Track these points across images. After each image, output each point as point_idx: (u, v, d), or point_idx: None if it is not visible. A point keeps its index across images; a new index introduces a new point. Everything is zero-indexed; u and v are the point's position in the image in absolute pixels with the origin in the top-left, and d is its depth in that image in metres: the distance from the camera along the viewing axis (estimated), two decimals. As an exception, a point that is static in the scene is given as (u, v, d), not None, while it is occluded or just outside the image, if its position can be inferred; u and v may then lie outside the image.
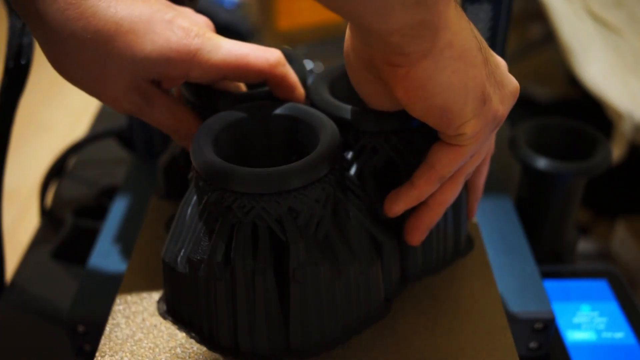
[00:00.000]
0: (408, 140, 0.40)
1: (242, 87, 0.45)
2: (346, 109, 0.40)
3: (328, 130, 0.38)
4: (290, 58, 0.45)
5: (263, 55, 0.40)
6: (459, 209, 0.43)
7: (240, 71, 0.40)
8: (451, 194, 0.39)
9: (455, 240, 0.44)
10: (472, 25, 0.34)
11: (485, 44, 0.35)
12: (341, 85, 0.44)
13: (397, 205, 0.39)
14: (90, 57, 0.37)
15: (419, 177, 0.38)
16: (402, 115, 0.38)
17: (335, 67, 0.45)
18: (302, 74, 0.44)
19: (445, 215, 0.43)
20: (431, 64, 0.32)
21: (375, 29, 0.30)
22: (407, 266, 0.42)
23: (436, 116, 0.34)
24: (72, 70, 0.38)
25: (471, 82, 0.33)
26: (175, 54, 0.37)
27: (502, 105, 0.36)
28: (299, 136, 0.40)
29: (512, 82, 0.37)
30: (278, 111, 0.40)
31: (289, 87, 0.41)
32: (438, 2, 0.30)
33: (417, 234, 0.40)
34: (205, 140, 0.37)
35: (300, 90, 0.42)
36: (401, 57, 0.32)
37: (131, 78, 0.38)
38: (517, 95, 0.37)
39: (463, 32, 0.32)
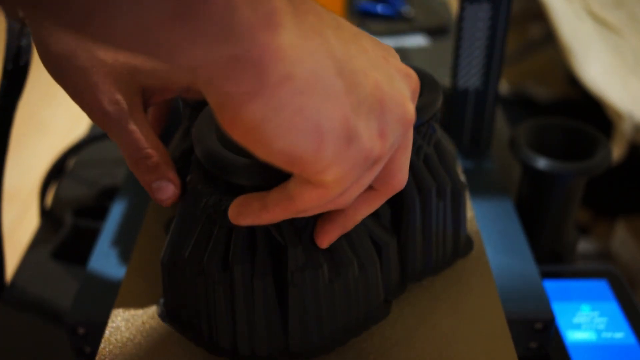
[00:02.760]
0: None
1: None
2: None
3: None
4: None
5: None
6: (458, 210, 0.43)
7: None
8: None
9: (455, 241, 0.44)
10: (332, 40, 0.27)
11: (357, 61, 0.27)
12: None
13: (243, 219, 0.33)
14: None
15: (274, 203, 0.31)
16: None
17: None
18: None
19: (444, 216, 0.43)
20: (262, 105, 0.25)
21: (175, 63, 0.24)
22: (407, 267, 0.42)
23: (284, 162, 0.27)
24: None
25: (326, 119, 0.26)
26: None
27: (380, 141, 0.28)
28: None
29: (401, 106, 0.29)
30: None
31: None
32: (256, 33, 0.24)
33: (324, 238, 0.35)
34: (209, 129, 0.37)
35: None
36: (221, 97, 0.25)
37: (121, 78, 0.38)
38: (411, 121, 0.29)
39: (311, 58, 0.26)
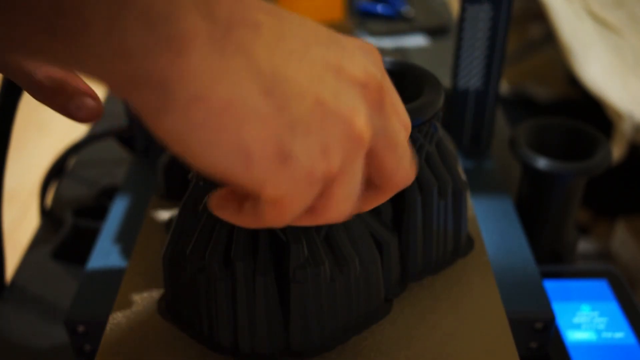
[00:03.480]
0: (409, 139, 0.40)
1: None
2: None
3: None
4: None
5: None
6: (459, 209, 0.43)
7: None
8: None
9: (456, 240, 0.44)
10: (262, 59, 0.25)
11: (293, 79, 0.26)
12: None
13: (221, 213, 0.32)
14: None
15: (246, 212, 0.30)
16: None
17: None
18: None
19: (445, 215, 0.43)
20: (174, 122, 0.24)
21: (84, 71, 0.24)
22: (408, 266, 0.42)
23: (218, 178, 0.27)
24: None
25: (252, 140, 0.25)
26: None
27: (324, 160, 0.27)
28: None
29: (346, 122, 0.27)
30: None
31: None
32: (154, 55, 0.23)
33: None
34: None
35: None
36: (134, 106, 0.25)
37: None
38: (359, 136, 0.27)
39: (229, 79, 0.24)
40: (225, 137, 0.25)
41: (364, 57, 0.29)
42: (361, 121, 0.27)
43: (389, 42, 0.97)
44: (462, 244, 0.45)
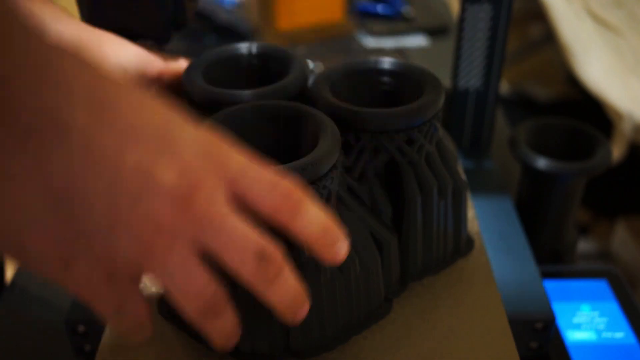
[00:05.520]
0: (410, 139, 0.40)
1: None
2: (348, 109, 0.40)
3: (328, 130, 0.38)
4: (290, 58, 0.45)
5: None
6: (459, 209, 0.43)
7: None
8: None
9: (456, 240, 0.44)
10: (55, 168, 0.25)
11: (86, 189, 0.25)
12: (342, 85, 0.44)
13: None
14: None
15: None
16: (405, 114, 0.38)
17: (336, 67, 0.45)
18: (303, 73, 0.44)
19: (445, 215, 0.43)
20: None
21: None
22: (408, 265, 0.42)
23: None
24: None
25: (30, 243, 0.26)
26: None
27: (114, 262, 0.27)
28: (297, 135, 0.40)
29: (137, 236, 0.26)
30: (280, 109, 0.40)
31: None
32: None
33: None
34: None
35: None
36: None
37: None
38: (149, 250, 0.27)
39: (11, 182, 0.25)
40: (4, 234, 0.25)
41: (193, 157, 0.28)
42: (152, 234, 0.27)
43: (389, 42, 0.97)
44: (462, 244, 0.45)
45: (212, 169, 0.28)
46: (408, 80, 0.43)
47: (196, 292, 0.29)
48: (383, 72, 0.45)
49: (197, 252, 0.28)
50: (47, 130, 0.25)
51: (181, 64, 0.47)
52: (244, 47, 0.48)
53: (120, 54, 0.44)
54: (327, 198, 0.36)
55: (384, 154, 0.40)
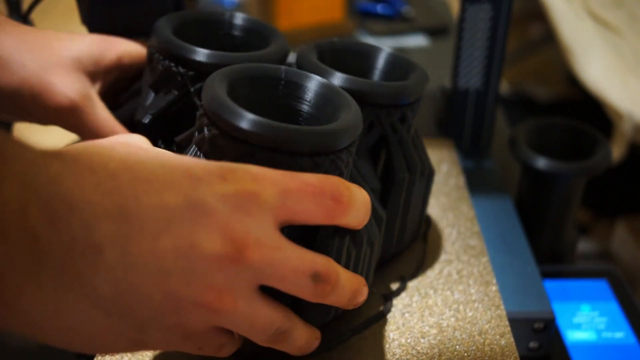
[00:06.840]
0: (403, 117, 0.41)
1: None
2: (350, 79, 0.38)
3: (352, 103, 0.36)
4: (273, 35, 0.45)
5: None
6: (428, 192, 0.45)
7: None
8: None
9: (420, 221, 0.46)
10: (97, 282, 0.26)
11: (133, 289, 0.26)
12: (330, 57, 0.43)
13: None
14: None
15: None
16: (399, 90, 0.39)
17: (322, 41, 0.44)
18: (284, 48, 0.44)
19: (422, 195, 0.45)
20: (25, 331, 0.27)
21: None
22: (385, 244, 0.43)
23: None
24: None
25: (102, 344, 0.28)
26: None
27: (183, 341, 0.29)
28: (320, 108, 0.37)
29: (201, 304, 0.28)
30: (303, 77, 0.38)
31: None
32: None
33: None
34: (220, 84, 0.34)
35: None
36: None
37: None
38: (220, 308, 0.28)
39: (64, 313, 0.26)
40: (77, 346, 0.28)
41: (229, 212, 0.28)
42: (213, 293, 0.28)
43: (389, 42, 0.97)
44: (424, 226, 0.48)
45: (251, 213, 0.28)
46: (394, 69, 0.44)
47: (264, 326, 0.30)
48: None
49: (257, 290, 0.29)
50: (79, 256, 0.25)
51: (143, 47, 0.47)
52: (226, 14, 0.47)
53: (71, 47, 0.44)
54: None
55: (377, 129, 0.40)
